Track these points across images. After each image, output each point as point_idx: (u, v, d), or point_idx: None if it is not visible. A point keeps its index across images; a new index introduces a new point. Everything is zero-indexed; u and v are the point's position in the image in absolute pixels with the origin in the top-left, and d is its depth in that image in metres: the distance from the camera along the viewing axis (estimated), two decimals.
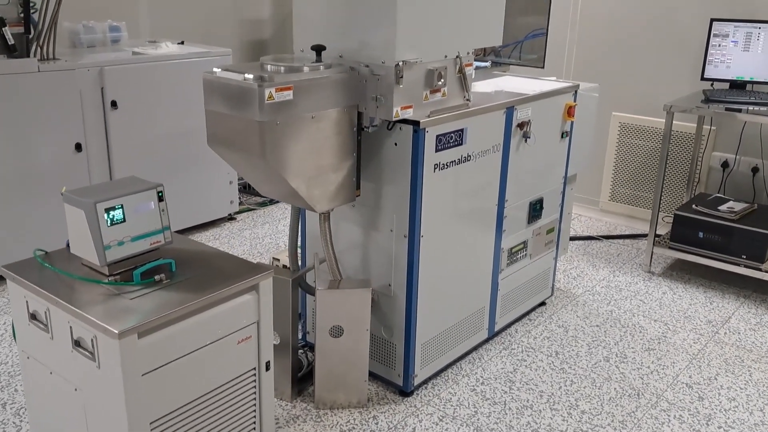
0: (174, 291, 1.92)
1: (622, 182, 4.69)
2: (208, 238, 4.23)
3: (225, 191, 4.42)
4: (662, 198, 3.91)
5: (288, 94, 2.08)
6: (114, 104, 3.71)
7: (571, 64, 4.74)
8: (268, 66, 2.18)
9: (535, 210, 3.15)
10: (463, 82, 2.59)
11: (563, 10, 4.67)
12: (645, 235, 4.41)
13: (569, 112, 3.14)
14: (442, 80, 2.46)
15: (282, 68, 2.17)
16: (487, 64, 4.95)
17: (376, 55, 2.32)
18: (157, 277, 1.95)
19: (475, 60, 4.97)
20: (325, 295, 2.42)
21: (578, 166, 3.51)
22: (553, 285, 3.52)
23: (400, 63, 2.28)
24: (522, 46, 5.55)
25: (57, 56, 3.59)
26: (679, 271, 3.97)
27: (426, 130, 2.39)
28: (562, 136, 3.19)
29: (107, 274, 1.95)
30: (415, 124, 2.37)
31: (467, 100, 2.62)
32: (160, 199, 2.03)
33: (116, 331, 1.70)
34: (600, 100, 3.59)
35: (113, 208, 1.92)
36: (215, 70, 2.13)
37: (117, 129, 3.77)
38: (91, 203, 1.89)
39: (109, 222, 1.92)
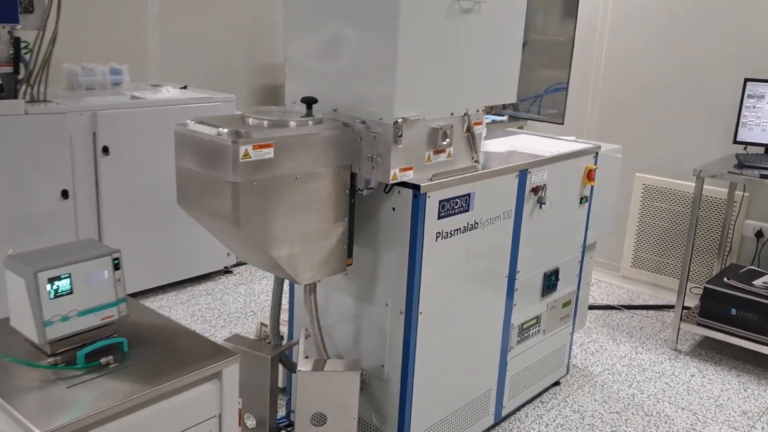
0: (121, 378, 1.65)
1: (646, 248, 4.37)
2: (201, 293, 3.97)
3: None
4: (690, 267, 3.61)
5: (268, 152, 1.83)
6: (105, 150, 3.51)
7: (593, 120, 4.49)
8: (250, 119, 1.94)
9: (550, 281, 2.85)
10: (472, 143, 2.33)
11: (586, 64, 4.44)
12: (670, 307, 4.07)
13: (589, 176, 2.87)
14: (448, 140, 2.21)
15: (265, 122, 1.93)
16: (504, 118, 4.74)
17: (373, 110, 2.08)
18: (103, 360, 1.69)
19: (492, 114, 4.76)
20: (306, 377, 2.14)
21: (599, 233, 3.22)
22: (568, 363, 3.19)
23: (400, 120, 2.04)
24: (541, 101, 5.34)
25: (49, 98, 3.41)
26: (709, 350, 3.62)
27: (427, 195, 2.13)
28: (581, 202, 2.91)
29: (49, 353, 1.69)
30: (415, 188, 2.11)
31: (476, 161, 2.37)
32: (116, 267, 1.78)
33: None
34: (623, 161, 3.31)
35: (58, 278, 1.67)
36: (188, 122, 1.90)
37: (108, 176, 3.55)
38: (32, 272, 1.64)
39: (52, 293, 1.66)
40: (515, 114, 5.22)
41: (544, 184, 2.63)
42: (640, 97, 4.26)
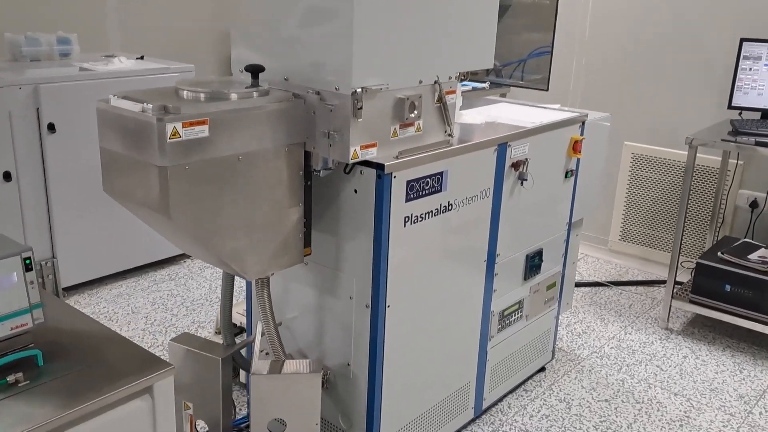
0: (31, 399, 1.41)
1: (635, 220, 4.16)
2: (163, 278, 3.73)
3: None
4: (682, 240, 3.41)
5: (202, 130, 1.58)
6: (51, 127, 3.22)
7: (578, 86, 4.24)
8: (185, 92, 1.68)
9: (533, 264, 2.63)
10: (444, 114, 2.08)
11: (570, 25, 4.17)
12: (661, 282, 3.88)
13: (575, 147, 2.63)
14: (416, 112, 1.96)
15: (201, 95, 1.67)
16: (485, 84, 4.47)
17: (328, 79, 1.82)
18: (11, 378, 1.44)
19: (471, 81, 4.49)
20: (261, 381, 1.91)
21: (586, 209, 2.99)
22: (554, 347, 2.99)
23: (359, 90, 1.78)
24: (525, 66, 5.07)
25: None
26: (702, 328, 3.44)
27: (393, 175, 1.89)
28: (566, 176, 2.67)
29: None
30: (379, 167, 1.87)
31: (449, 135, 2.12)
32: (28, 268, 1.53)
33: None
34: (611, 129, 3.07)
35: None
36: (111, 97, 1.63)
37: (55, 155, 3.27)
38: None
39: None
40: (497, 80, 4.95)
41: (526, 159, 2.39)
42: (628, 60, 4.01)
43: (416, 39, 1.93)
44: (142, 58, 3.85)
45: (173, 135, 1.52)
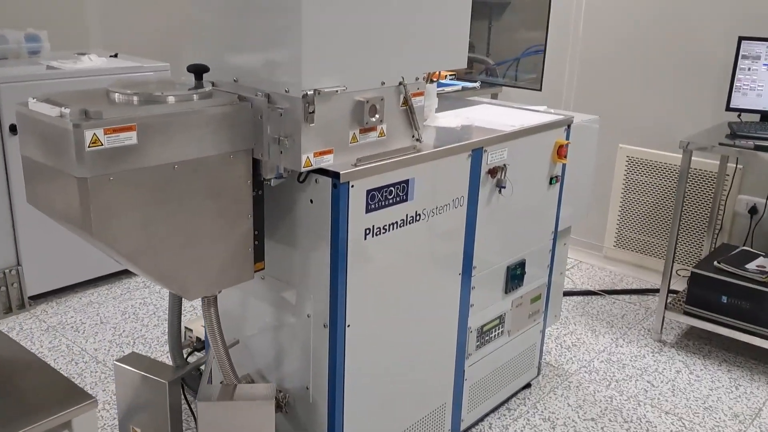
0: None
1: (630, 226, 3.99)
2: (137, 286, 3.58)
3: None
4: (677, 247, 3.25)
5: (129, 137, 1.42)
6: (13, 129, 3.08)
7: (571, 86, 4.07)
8: (116, 95, 1.53)
9: (515, 276, 2.47)
10: (411, 118, 1.92)
11: (564, 23, 4.01)
12: (655, 291, 3.71)
13: (560, 152, 2.47)
14: (377, 116, 1.80)
15: (135, 98, 1.52)
16: (476, 84, 4.32)
17: (278, 80, 1.67)
18: None
19: (462, 79, 4.33)
20: (208, 408, 1.76)
21: (573, 217, 2.83)
22: (540, 362, 2.83)
23: (310, 92, 1.63)
24: (518, 65, 4.91)
25: None
26: (697, 341, 3.27)
27: (350, 184, 1.73)
28: (550, 182, 2.51)
29: None
30: (335, 176, 1.71)
31: (417, 140, 1.96)
32: None
33: None
34: (603, 132, 2.91)
35: None
36: (30, 100, 1.48)
37: (18, 158, 3.12)
38: None
39: None
40: (489, 80, 4.79)
41: (504, 165, 2.23)
42: (623, 59, 3.84)
43: (377, 37, 1.77)
44: (115, 55, 3.70)
45: (93, 143, 1.36)
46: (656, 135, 3.79)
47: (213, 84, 1.79)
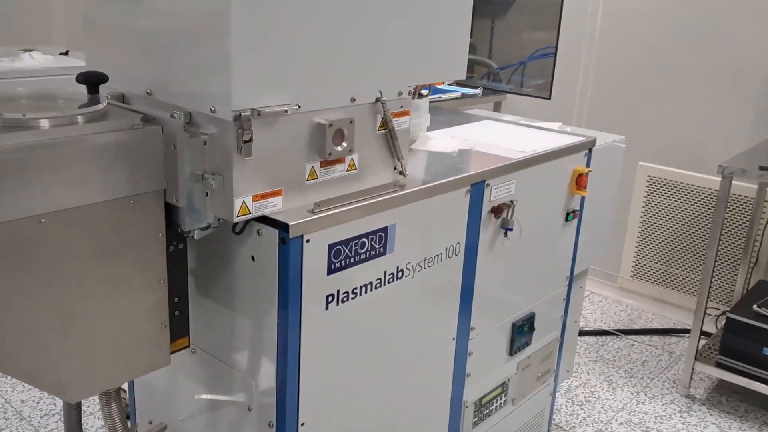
0: None
1: (650, 255, 3.53)
2: None
3: None
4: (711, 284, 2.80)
5: None
6: None
7: (585, 95, 3.60)
8: None
9: (522, 333, 2.00)
10: (392, 145, 1.46)
11: (578, 23, 3.54)
12: (680, 332, 3.25)
13: (579, 182, 2.00)
14: (345, 143, 1.34)
15: None
16: (477, 91, 3.85)
17: (201, 94, 1.20)
18: None
19: (461, 85, 3.86)
20: None
21: (593, 255, 2.37)
22: (549, 429, 2.36)
23: (246, 113, 1.16)
24: (525, 69, 4.45)
25: None
26: (732, 397, 2.81)
27: (305, 238, 1.26)
28: (567, 218, 2.05)
29: None
30: (283, 228, 1.24)
31: (400, 173, 1.50)
32: None
33: None
34: (626, 151, 2.45)
35: None
36: None
37: None
38: None
39: None
40: (492, 86, 4.32)
41: (512, 201, 1.76)
42: (646, 65, 3.37)
43: (346, 39, 1.30)
44: (66, 53, 3.24)
45: None
46: (683, 152, 3.33)
47: (123, 98, 1.33)
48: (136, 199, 1.16)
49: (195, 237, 1.27)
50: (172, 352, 1.33)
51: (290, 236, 1.23)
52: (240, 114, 1.16)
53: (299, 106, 1.25)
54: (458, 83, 4.12)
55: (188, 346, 1.37)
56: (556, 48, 3.68)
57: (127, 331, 1.22)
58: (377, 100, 1.40)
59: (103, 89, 1.30)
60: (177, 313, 1.32)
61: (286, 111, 1.22)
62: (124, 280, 1.18)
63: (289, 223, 1.23)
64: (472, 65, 4.73)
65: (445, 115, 2.32)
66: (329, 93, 1.30)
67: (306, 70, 1.25)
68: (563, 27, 3.59)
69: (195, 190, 1.21)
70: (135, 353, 1.24)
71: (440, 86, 3.98)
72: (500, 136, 2.02)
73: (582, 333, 3.22)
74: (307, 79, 1.26)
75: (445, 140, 1.89)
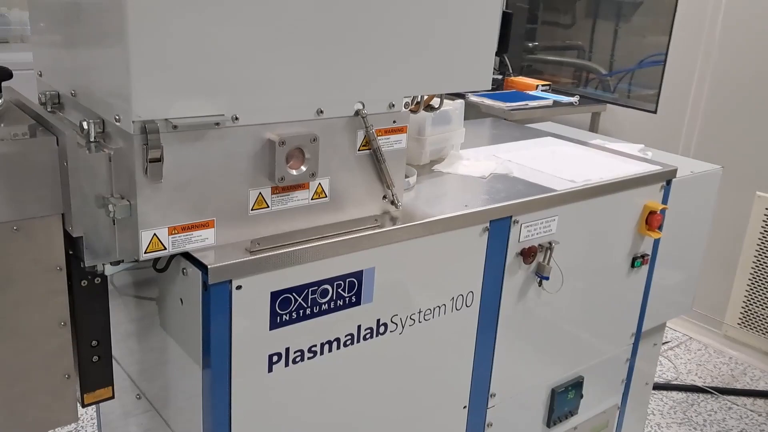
0: None
1: (763, 300, 2.98)
2: None
3: None
4: None
5: None
6: None
7: (698, 110, 3.10)
8: None
9: (565, 401, 1.64)
10: (379, 168, 1.16)
11: (693, 29, 3.05)
12: None
13: (651, 222, 1.61)
14: (305, 166, 1.06)
15: None
16: (574, 99, 3.46)
17: (109, 101, 0.97)
18: None
19: (561, 92, 3.46)
20: None
21: (673, 309, 1.94)
22: None
23: (150, 125, 0.91)
24: (633, 77, 3.98)
25: None
26: None
27: (235, 284, 1.00)
28: (633, 264, 1.66)
29: None
30: (202, 269, 0.99)
31: (392, 203, 1.20)
32: None
33: None
34: (736, 176, 2.01)
35: None
36: None
37: None
38: None
39: None
40: (592, 95, 3.88)
41: (550, 243, 1.41)
42: None
43: (309, 29, 1.02)
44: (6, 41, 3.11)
45: None
46: None
47: (58, 98, 1.12)
48: (22, 225, 0.94)
49: (106, 273, 1.03)
50: (87, 404, 1.11)
51: (211, 281, 0.97)
52: (144, 124, 0.91)
53: (236, 118, 0.99)
54: (554, 90, 3.73)
55: (112, 397, 1.14)
56: (666, 55, 3.21)
57: (14, 383, 1.00)
58: (357, 113, 1.11)
59: (39, 86, 1.10)
60: (95, 358, 1.10)
61: (217, 124, 0.96)
62: (6, 323, 0.97)
63: (209, 265, 0.97)
64: (575, 69, 4.29)
65: (501, 128, 1.98)
66: (283, 102, 1.03)
67: (247, 71, 0.98)
68: (675, 32, 3.12)
69: (99, 217, 0.97)
70: (25, 408, 1.03)
71: (532, 92, 3.60)
72: (555, 159, 1.66)
73: (669, 387, 2.75)
74: (249, 83, 0.99)
75: (480, 161, 1.57)
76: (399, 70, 1.14)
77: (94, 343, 1.10)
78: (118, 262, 1.02)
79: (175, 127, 0.93)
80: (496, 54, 3.55)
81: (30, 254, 0.96)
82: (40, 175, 0.94)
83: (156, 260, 1.04)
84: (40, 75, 1.19)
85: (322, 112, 1.07)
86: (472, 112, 3.33)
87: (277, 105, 1.02)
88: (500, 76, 3.61)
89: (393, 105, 1.15)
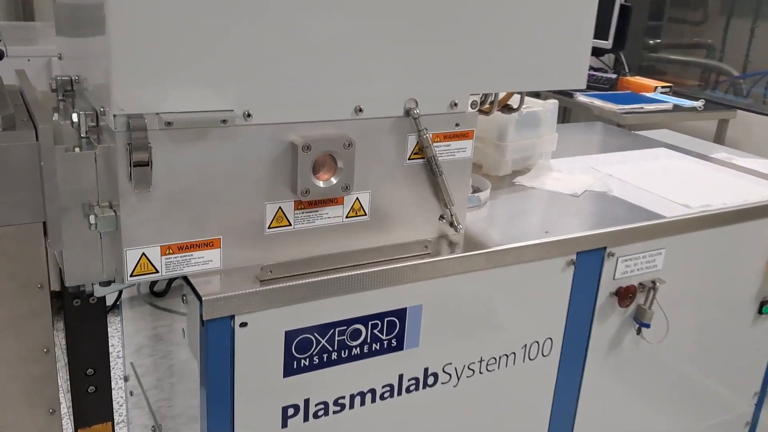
0: None
1: None
2: None
3: None
4: None
5: None
6: None
7: None
8: None
9: None
10: (434, 182, 0.94)
11: None
12: None
13: None
14: (335, 177, 0.85)
15: None
16: (698, 103, 3.07)
17: (99, 89, 0.80)
18: None
19: (683, 95, 3.11)
20: None
21: None
22: None
23: (136, 120, 0.73)
24: None
25: None
26: None
27: (238, 321, 0.81)
28: (761, 311, 1.34)
29: None
30: (199, 299, 0.80)
31: (452, 225, 0.97)
32: None
33: None
34: None
35: None
36: None
37: None
38: None
39: None
40: (720, 99, 3.44)
41: (654, 282, 1.14)
42: None
43: (343, 8, 0.82)
44: None
45: None
46: None
47: (71, 83, 0.98)
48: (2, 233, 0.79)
49: (95, 294, 0.87)
50: None
51: (207, 316, 0.79)
52: (129, 121, 0.73)
53: (249, 115, 0.79)
54: (675, 92, 3.33)
55: None
56: None
57: None
58: (407, 113, 0.89)
59: (56, 71, 0.96)
60: (91, 389, 0.95)
61: (224, 121, 0.78)
62: None
63: (203, 297, 0.78)
64: (702, 70, 3.85)
65: (605, 134, 1.70)
66: (310, 96, 0.83)
67: (263, 55, 0.78)
68: None
69: (82, 228, 0.81)
70: None
71: (649, 94, 3.23)
72: (666, 176, 1.37)
73: None
74: (266, 71, 0.79)
75: (573, 175, 1.31)
76: (464, 60, 0.91)
77: (89, 371, 0.95)
78: (108, 283, 0.85)
79: (169, 123, 0.74)
80: (612, 50, 3.23)
81: (4, 269, 0.81)
82: (16, 176, 0.79)
83: (151, 285, 0.87)
84: (60, 57, 1.05)
85: (361, 110, 0.86)
86: (581, 114, 3.03)
87: (302, 99, 0.82)
88: (614, 75, 3.26)
89: (456, 104, 0.92)
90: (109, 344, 0.95)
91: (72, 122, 0.82)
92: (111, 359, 0.96)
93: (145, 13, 0.71)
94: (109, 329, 0.95)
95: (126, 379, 1.28)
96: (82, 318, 0.91)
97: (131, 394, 1.26)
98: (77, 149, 0.80)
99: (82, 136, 0.82)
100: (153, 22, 0.72)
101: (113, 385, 0.99)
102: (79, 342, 0.92)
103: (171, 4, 0.72)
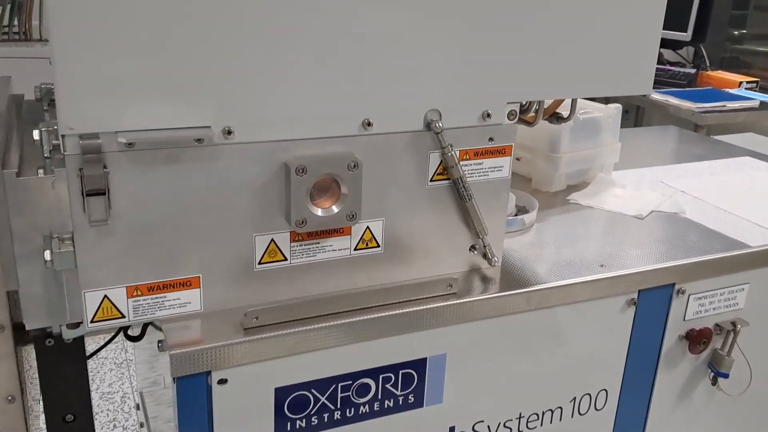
0: None
1: None
2: None
3: None
4: None
5: None
6: None
7: None
8: None
9: None
10: (466, 207, 0.79)
11: None
12: None
13: None
14: (336, 206, 0.71)
15: None
16: (755, 101, 2.78)
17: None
18: None
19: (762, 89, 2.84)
20: None
21: None
22: None
23: (88, 141, 0.61)
24: None
25: None
26: None
27: (214, 378, 0.68)
28: None
29: None
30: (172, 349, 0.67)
31: (485, 257, 0.82)
32: None
33: None
34: None
35: None
36: None
37: None
38: None
39: None
40: None
41: (735, 324, 0.95)
42: None
43: (350, 4, 0.67)
44: None
45: None
46: None
47: (43, 93, 0.87)
48: None
49: (65, 337, 0.76)
50: None
51: (176, 374, 0.66)
52: (80, 142, 0.61)
53: (230, 132, 0.66)
54: (763, 88, 3.03)
55: None
56: None
57: None
58: (428, 126, 0.74)
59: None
60: None
61: (199, 140, 0.64)
62: None
63: (170, 351, 0.65)
64: None
65: (679, 141, 1.49)
66: (305, 109, 0.69)
67: (245, 60, 0.65)
68: None
69: (40, 265, 0.69)
70: None
71: (733, 90, 2.94)
72: (752, 193, 1.17)
73: None
74: (249, 79, 0.65)
75: (639, 192, 1.12)
76: (499, 62, 0.75)
77: (68, 417, 0.84)
78: (76, 324, 0.74)
79: (130, 144, 0.62)
80: (691, 43, 2.95)
81: None
82: None
83: (124, 330, 0.75)
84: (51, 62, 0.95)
85: (370, 124, 0.71)
86: (655, 115, 2.78)
87: (295, 112, 0.68)
88: (693, 70, 2.99)
89: (489, 114, 0.77)
90: (90, 385, 0.84)
91: (33, 140, 0.71)
92: (93, 402, 0.86)
93: (96, 10, 0.59)
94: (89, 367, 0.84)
95: (138, 407, 1.19)
96: (57, 359, 0.80)
97: (141, 425, 1.17)
98: (41, 172, 0.69)
99: (45, 156, 0.71)
100: (106, 22, 0.59)
101: (98, 429, 0.88)
102: (54, 386, 0.81)
103: (128, 1, 0.59)
